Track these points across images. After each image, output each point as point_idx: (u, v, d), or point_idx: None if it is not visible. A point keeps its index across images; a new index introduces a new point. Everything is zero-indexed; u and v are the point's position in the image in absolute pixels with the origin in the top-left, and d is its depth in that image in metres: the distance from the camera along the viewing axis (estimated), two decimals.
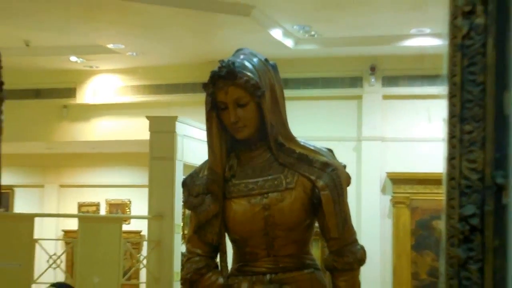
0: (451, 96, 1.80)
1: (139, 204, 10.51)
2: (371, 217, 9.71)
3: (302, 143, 3.31)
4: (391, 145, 9.60)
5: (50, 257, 9.16)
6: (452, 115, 1.80)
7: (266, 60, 3.31)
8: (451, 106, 1.81)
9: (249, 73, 3.17)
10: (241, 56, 3.28)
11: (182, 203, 7.80)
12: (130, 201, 11.53)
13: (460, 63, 1.78)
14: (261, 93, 3.15)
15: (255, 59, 3.27)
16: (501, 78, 1.76)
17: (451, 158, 1.81)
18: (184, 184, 3.42)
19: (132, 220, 10.59)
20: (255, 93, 3.14)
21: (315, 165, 3.24)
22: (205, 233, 3.34)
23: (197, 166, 3.48)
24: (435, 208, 9.64)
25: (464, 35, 1.76)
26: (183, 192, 3.44)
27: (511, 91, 1.76)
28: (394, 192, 9.84)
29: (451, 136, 1.81)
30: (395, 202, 9.84)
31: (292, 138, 3.29)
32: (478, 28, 1.75)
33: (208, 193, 3.26)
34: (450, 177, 1.80)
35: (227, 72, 3.14)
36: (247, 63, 3.23)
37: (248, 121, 3.21)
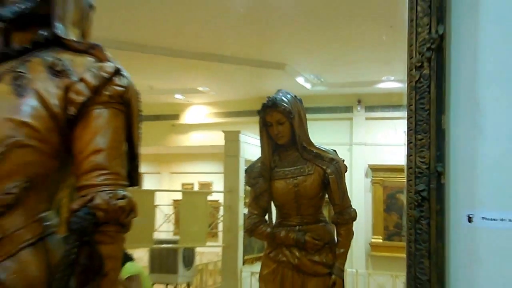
0: (409, 117, 2.09)
1: (218, 184, 10.89)
2: (359, 192, 9.86)
3: (317, 146, 3.37)
4: (371, 147, 10.06)
5: (165, 215, 9.85)
6: (410, 129, 2.09)
7: (295, 96, 3.36)
8: (409, 123, 2.10)
9: (285, 104, 3.23)
10: (280, 94, 3.31)
11: (244, 183, 8.31)
12: (212, 182, 11.93)
13: (414, 97, 2.07)
14: (292, 116, 3.23)
15: (288, 96, 3.30)
16: (440, 107, 2.06)
17: (409, 155, 2.10)
18: (246, 171, 3.55)
19: (214, 193, 10.89)
20: (289, 116, 3.23)
21: (325, 160, 3.32)
22: (258, 201, 3.39)
23: (253, 160, 3.56)
24: (399, 186, 9.86)
25: (416, 80, 2.07)
26: (245, 176, 3.59)
27: (445, 115, 2.07)
28: (372, 177, 10.23)
29: (409, 142, 2.10)
30: (373, 183, 10.23)
31: (311, 143, 3.36)
32: (425, 76, 2.04)
33: (261, 176, 3.36)
34: (409, 167, 2.10)
35: (272, 103, 3.24)
36: (284, 98, 3.27)
37: (285, 133, 3.29)
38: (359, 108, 10.50)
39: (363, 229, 9.67)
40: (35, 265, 1.42)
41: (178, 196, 10.67)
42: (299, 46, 8.09)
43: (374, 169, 10.23)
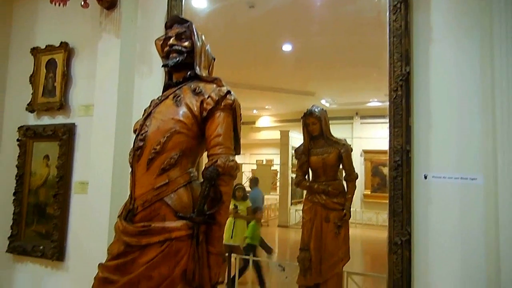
0: (390, 119, 2.09)
1: (276, 160, 9.99)
2: (357, 165, 8.36)
3: (335, 137, 3.24)
4: (364, 140, 8.83)
5: (247, 177, 10.31)
6: (390, 125, 2.07)
7: (322, 108, 3.22)
8: (390, 122, 2.09)
9: (316, 113, 3.16)
10: (314, 107, 3.22)
11: (293, 158, 8.48)
12: (273, 159, 11.30)
13: (393, 108, 2.07)
14: (321, 120, 3.15)
15: (318, 108, 3.21)
16: (407, 113, 2.03)
17: (390, 140, 2.08)
18: (295, 150, 3.36)
19: (274, 165, 10.62)
20: (319, 120, 3.14)
21: (340, 144, 3.19)
22: (302, 168, 3.26)
23: (297, 146, 3.37)
24: (380, 162, 9.80)
25: (394, 98, 2.06)
26: (294, 153, 3.39)
27: (411, 117, 2.03)
28: (364, 156, 9.82)
29: (390, 133, 2.08)
30: (365, 159, 9.12)
31: (331, 135, 3.23)
32: (399, 96, 2.05)
33: (303, 153, 3.25)
34: (390, 147, 2.08)
35: (309, 112, 3.18)
36: (316, 109, 3.18)
37: (316, 130, 3.18)
38: (356, 117, 9.81)
39: (360, 186, 8.59)
40: (186, 196, 1.47)
41: (254, 167, 10.52)
42: (323, 81, 7.94)
43: (366, 152, 9.18)
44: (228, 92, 1.58)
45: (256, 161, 12.00)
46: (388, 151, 2.09)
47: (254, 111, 10.98)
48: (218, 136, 1.49)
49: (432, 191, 2.00)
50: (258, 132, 11.77)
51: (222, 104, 1.54)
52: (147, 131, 1.51)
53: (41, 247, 2.92)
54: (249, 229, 4.75)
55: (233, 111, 1.59)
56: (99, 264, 1.49)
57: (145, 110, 1.65)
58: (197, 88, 1.58)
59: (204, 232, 1.43)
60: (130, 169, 1.56)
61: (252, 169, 11.35)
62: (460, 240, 1.93)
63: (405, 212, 2.01)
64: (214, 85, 1.59)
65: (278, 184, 10.03)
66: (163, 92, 1.68)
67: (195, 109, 1.53)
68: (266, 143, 12.33)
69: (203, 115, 1.53)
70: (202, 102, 1.54)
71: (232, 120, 1.57)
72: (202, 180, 1.50)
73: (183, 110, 1.52)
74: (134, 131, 1.60)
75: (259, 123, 11.73)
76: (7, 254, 3.11)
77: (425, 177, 2.01)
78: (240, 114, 1.64)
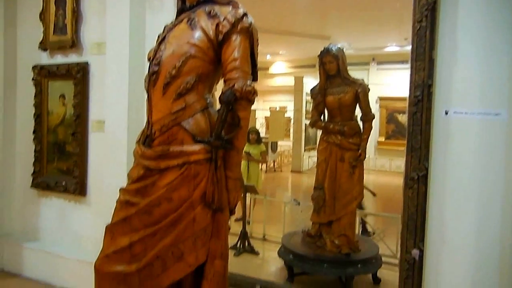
0: (412, 52, 1.97)
1: (290, 106, 10.54)
2: (374, 110, 9.80)
3: (352, 76, 3.20)
4: (380, 86, 9.28)
5: (261, 123, 10.22)
6: (412, 59, 1.97)
7: (339, 47, 3.18)
8: (412, 55, 1.97)
9: (335, 51, 3.09)
10: (331, 45, 3.16)
11: (307, 102, 8.36)
12: (287, 106, 11.56)
13: (416, 39, 1.95)
14: (339, 59, 3.10)
15: (336, 46, 3.15)
16: (431, 45, 1.94)
17: (411, 74, 1.96)
18: (311, 90, 3.32)
19: (288, 111, 10.83)
20: (336, 58, 3.08)
21: (357, 83, 3.14)
22: (317, 108, 3.23)
23: (314, 86, 3.33)
24: (395, 109, 9.68)
25: (418, 29, 1.94)
26: (310, 93, 3.35)
27: (434, 50, 1.93)
28: (380, 104, 9.83)
29: (412, 67, 1.97)
30: (380, 106, 9.81)
31: (348, 74, 3.18)
32: (423, 27, 1.94)
33: (319, 93, 3.20)
34: (411, 81, 1.98)
35: (326, 50, 3.13)
36: (333, 47, 3.13)
37: (333, 68, 3.12)
38: (373, 63, 10.02)
39: (374, 133, 9.06)
40: (203, 121, 1.47)
41: (268, 113, 10.54)
42: (340, 24, 7.71)
43: (382, 98, 9.81)
44: (245, 14, 1.51)
45: (270, 108, 11.84)
46: (409, 85, 2.02)
47: (268, 57, 11.09)
48: (235, 60, 1.44)
49: (453, 127, 1.94)
50: (272, 79, 11.83)
51: (239, 27, 1.48)
52: (161, 55, 1.49)
53: (64, 183, 3.02)
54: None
55: (250, 35, 1.51)
56: (120, 189, 1.52)
57: (158, 36, 1.61)
58: (212, 11, 1.52)
59: (222, 158, 1.43)
60: (146, 96, 1.55)
61: (265, 116, 11.64)
62: (478, 176, 1.88)
63: (423, 147, 1.97)
64: (230, 7, 1.52)
65: (291, 130, 10.61)
66: (176, 18, 1.62)
67: (211, 32, 1.48)
68: (280, 90, 12.44)
69: (219, 39, 1.48)
70: (217, 25, 1.48)
71: (249, 44, 1.50)
72: (218, 108, 1.49)
73: (198, 33, 1.48)
74: (148, 59, 1.57)
75: (273, 69, 11.73)
76: (32, 190, 3.25)
77: (446, 113, 1.95)
78: (257, 39, 1.57)
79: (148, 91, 1.52)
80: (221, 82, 1.58)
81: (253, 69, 1.54)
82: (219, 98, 1.43)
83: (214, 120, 1.46)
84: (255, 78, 1.54)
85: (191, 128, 1.42)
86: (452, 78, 1.95)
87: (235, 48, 1.45)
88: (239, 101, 1.42)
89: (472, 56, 1.91)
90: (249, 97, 1.42)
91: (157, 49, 1.53)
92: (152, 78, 1.49)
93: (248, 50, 1.49)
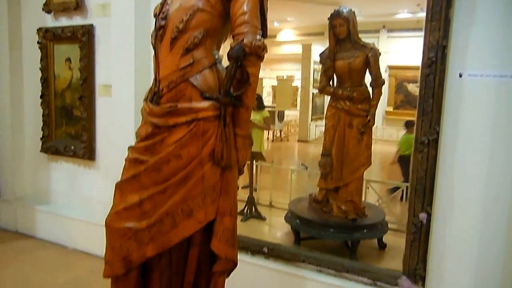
0: (427, 11, 1.89)
1: (297, 75, 10.35)
2: (384, 77, 9.64)
3: (363, 40, 3.09)
4: (390, 55, 8.85)
5: (268, 92, 9.86)
6: (427, 20, 1.89)
7: (351, 9, 3.06)
8: (427, 15, 1.89)
9: (344, 13, 3.00)
10: (342, 7, 3.05)
11: (315, 71, 8.24)
12: (294, 75, 11.22)
13: (432, 1, 1.87)
14: (350, 22, 3.01)
15: (346, 9, 3.04)
16: (448, 4, 1.86)
17: (425, 36, 1.89)
18: (320, 55, 3.23)
19: (295, 80, 10.61)
20: (347, 21, 2.99)
21: (367, 48, 3.06)
22: (326, 73, 3.14)
23: (323, 50, 3.22)
24: (405, 78, 9.43)
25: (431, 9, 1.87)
26: (319, 57, 3.23)
27: (452, 9, 1.87)
28: (390, 73, 9.51)
29: (426, 28, 1.87)
30: (389, 75, 9.47)
31: (359, 38, 3.08)
32: (439, 4, 1.87)
33: (328, 58, 3.11)
34: (425, 43, 1.90)
35: (337, 13, 3.02)
36: (344, 10, 3.02)
37: (343, 32, 3.02)
38: (383, 31, 9.72)
39: (382, 102, 8.84)
40: (212, 78, 1.43)
41: (274, 82, 10.37)
42: None
43: (391, 67, 9.55)
44: None
45: (277, 76, 11.60)
46: (423, 47, 1.95)
47: (275, 24, 10.56)
48: (244, 14, 1.39)
49: (467, 90, 1.89)
50: (279, 47, 11.49)
51: None
52: (168, 9, 1.44)
53: (72, 147, 3.05)
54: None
55: None
56: (129, 147, 1.51)
57: None
58: None
59: (231, 115, 1.41)
60: (152, 52, 1.51)
61: (272, 85, 11.53)
62: (490, 141, 1.85)
63: (435, 111, 1.94)
64: None
65: (298, 100, 10.48)
66: None
67: None
68: (287, 58, 12.11)
69: None
70: None
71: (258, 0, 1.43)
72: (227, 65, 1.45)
73: None
74: (154, 15, 1.52)
75: (280, 37, 11.23)
76: (41, 154, 3.29)
77: (460, 76, 1.90)
78: None
79: (154, 47, 1.48)
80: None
81: (263, 26, 1.49)
82: (228, 53, 1.39)
83: (222, 76, 1.44)
84: (265, 35, 1.49)
85: (199, 85, 1.40)
86: (468, 39, 1.88)
87: (244, 2, 1.40)
88: (248, 57, 1.38)
89: (490, 16, 1.84)
90: (259, 52, 1.37)
91: (163, 3, 1.48)
92: (158, 33, 1.45)
93: (258, 5, 1.44)
